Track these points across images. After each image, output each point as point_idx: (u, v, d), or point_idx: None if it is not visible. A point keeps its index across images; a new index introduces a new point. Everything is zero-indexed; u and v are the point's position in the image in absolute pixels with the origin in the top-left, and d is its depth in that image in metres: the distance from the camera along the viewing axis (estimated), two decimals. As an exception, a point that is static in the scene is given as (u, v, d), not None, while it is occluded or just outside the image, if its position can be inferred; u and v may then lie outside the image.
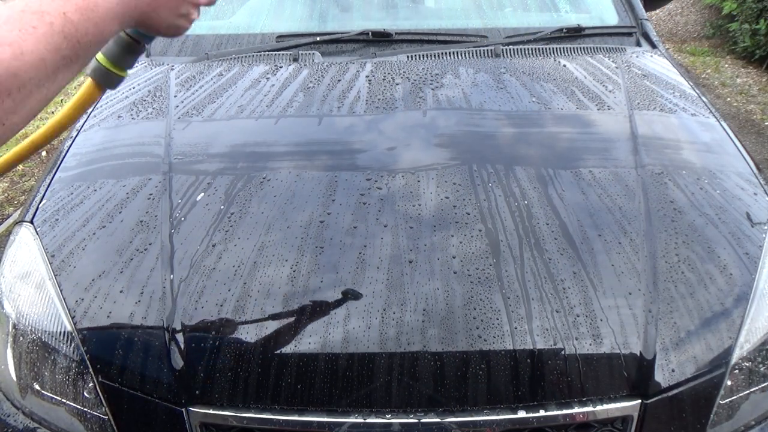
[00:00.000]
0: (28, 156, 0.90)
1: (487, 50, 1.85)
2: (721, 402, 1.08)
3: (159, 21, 0.79)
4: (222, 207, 1.27)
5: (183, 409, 1.04)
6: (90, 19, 0.67)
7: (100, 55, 0.83)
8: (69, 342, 1.10)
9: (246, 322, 1.07)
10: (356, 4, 2.12)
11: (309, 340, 1.04)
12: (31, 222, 1.28)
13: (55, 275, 1.16)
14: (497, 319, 1.06)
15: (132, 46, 0.84)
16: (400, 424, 1.02)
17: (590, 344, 1.04)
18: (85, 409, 1.09)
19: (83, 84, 0.85)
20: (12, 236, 1.30)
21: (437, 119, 1.56)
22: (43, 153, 3.90)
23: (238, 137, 1.52)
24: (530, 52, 1.86)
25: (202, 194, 1.31)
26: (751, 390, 1.12)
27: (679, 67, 1.88)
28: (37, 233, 1.25)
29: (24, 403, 1.15)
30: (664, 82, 1.77)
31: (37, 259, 1.20)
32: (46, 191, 1.36)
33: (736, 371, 1.09)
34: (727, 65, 5.42)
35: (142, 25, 0.78)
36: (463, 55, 1.84)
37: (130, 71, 0.88)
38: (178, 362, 1.05)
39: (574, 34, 1.94)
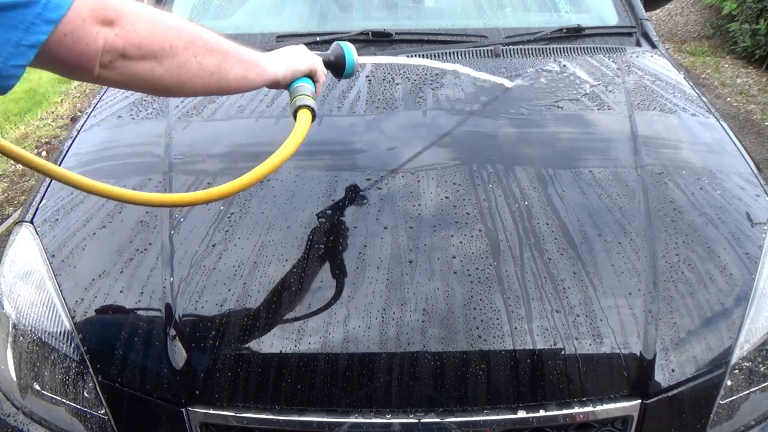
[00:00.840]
0: (256, 181, 1.04)
1: (487, 50, 1.85)
2: (721, 402, 1.08)
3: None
4: (222, 207, 1.27)
5: (183, 409, 1.04)
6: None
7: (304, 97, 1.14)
8: (69, 342, 1.10)
9: (246, 322, 1.07)
10: (356, 3, 2.12)
11: (309, 340, 1.04)
12: (31, 222, 1.28)
13: (55, 275, 1.16)
14: (497, 319, 1.06)
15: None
16: (400, 424, 1.02)
17: (590, 344, 1.04)
18: (85, 409, 1.09)
19: (300, 119, 1.13)
20: (12, 236, 1.30)
21: (437, 119, 1.56)
22: (44, 153, 3.90)
23: (238, 137, 1.52)
24: (530, 52, 1.86)
25: None
26: (751, 390, 1.12)
27: (679, 67, 1.88)
28: (37, 233, 1.25)
29: (24, 403, 1.15)
30: (664, 82, 1.77)
31: (37, 259, 1.20)
32: (46, 191, 1.36)
33: (736, 371, 1.09)
34: (727, 65, 5.42)
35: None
36: (463, 55, 1.84)
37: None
38: (178, 362, 1.05)
39: (574, 34, 1.94)
